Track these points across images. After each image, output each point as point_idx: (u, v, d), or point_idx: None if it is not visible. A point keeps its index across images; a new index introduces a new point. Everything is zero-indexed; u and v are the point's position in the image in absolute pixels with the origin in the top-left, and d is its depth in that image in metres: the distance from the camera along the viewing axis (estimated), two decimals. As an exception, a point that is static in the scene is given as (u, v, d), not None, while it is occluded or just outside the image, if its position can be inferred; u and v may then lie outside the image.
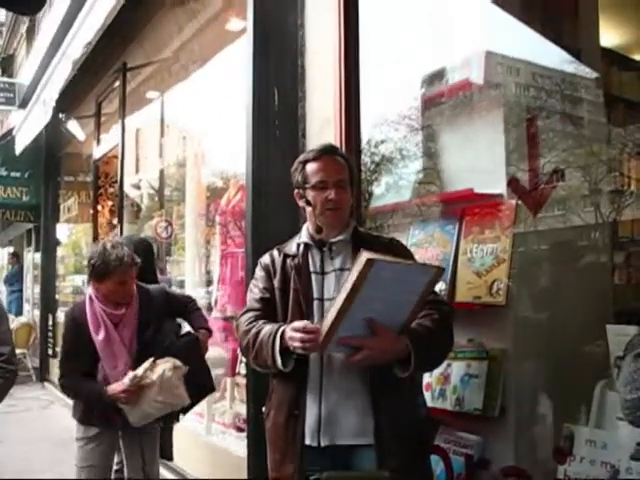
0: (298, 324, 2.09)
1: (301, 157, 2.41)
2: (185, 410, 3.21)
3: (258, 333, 2.22)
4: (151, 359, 3.02)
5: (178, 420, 3.33)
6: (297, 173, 2.37)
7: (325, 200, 2.26)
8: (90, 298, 3.11)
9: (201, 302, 5.71)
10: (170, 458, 3.40)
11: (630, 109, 3.67)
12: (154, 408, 3.00)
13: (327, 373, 2.18)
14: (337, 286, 2.16)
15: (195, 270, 6.00)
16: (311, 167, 2.33)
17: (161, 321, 3.22)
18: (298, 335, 2.06)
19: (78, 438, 3.19)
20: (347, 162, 2.39)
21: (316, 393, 2.18)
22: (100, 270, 2.97)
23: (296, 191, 2.38)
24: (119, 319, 3.08)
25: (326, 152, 2.37)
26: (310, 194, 2.31)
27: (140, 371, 2.97)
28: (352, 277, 1.95)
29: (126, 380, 2.96)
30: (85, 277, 3.25)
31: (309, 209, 2.31)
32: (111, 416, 3.07)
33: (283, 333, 2.13)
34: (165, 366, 3.02)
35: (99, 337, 3.05)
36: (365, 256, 1.93)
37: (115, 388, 2.98)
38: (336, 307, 1.99)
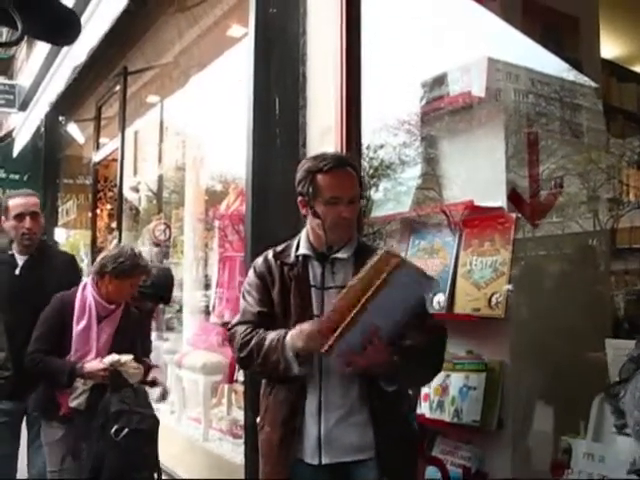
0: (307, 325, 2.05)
1: (309, 164, 2.22)
2: None
3: (262, 339, 2.14)
4: (132, 356, 3.02)
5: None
6: (305, 182, 2.19)
7: (338, 217, 2.14)
8: (84, 288, 3.12)
9: (199, 305, 5.75)
10: None
11: (629, 120, 3.69)
12: None
13: (325, 392, 2.13)
14: None
15: (193, 273, 6.00)
16: (324, 180, 2.15)
17: (139, 332, 3.35)
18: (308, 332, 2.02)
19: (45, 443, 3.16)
20: (357, 173, 2.24)
21: (315, 413, 2.14)
22: (125, 269, 3.05)
23: (301, 198, 2.22)
24: (108, 313, 3.11)
25: (341, 165, 2.19)
26: (320, 207, 2.16)
27: (123, 358, 2.99)
28: (372, 276, 1.87)
29: (106, 360, 2.98)
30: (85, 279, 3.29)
31: (316, 221, 2.17)
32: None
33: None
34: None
35: (79, 326, 3.05)
36: (393, 257, 1.86)
37: (94, 365, 2.98)
38: (347, 305, 1.91)
